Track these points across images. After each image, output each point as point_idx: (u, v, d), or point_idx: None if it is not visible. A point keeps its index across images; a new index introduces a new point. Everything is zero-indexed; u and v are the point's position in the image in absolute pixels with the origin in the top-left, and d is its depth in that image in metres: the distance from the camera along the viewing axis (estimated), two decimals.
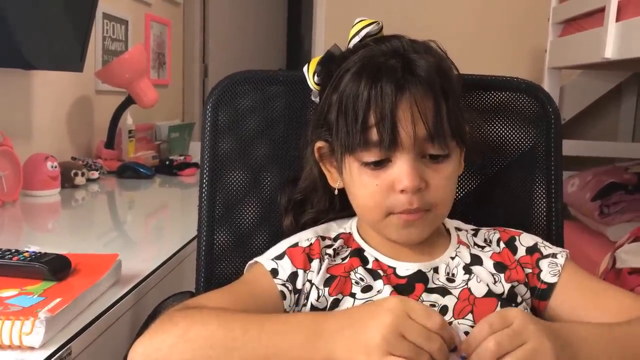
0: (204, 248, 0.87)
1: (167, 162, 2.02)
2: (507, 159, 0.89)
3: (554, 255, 0.76)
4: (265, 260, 0.74)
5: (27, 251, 0.84)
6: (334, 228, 0.80)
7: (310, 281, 0.73)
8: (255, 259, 0.76)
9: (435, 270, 0.74)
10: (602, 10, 1.90)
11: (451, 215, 0.79)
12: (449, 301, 0.71)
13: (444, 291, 0.72)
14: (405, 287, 0.72)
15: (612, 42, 1.81)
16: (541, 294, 0.74)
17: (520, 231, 0.79)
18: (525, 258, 0.76)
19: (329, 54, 0.77)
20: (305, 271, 0.73)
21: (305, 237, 0.77)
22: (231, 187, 0.87)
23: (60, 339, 0.68)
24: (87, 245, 1.14)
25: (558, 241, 0.87)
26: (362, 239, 0.77)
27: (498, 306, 0.71)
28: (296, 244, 0.75)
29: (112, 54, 2.14)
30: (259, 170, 0.88)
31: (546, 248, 0.77)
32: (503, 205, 0.89)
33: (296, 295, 0.72)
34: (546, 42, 2.52)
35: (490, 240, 0.78)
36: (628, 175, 2.21)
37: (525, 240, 0.78)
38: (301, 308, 0.73)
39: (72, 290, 0.77)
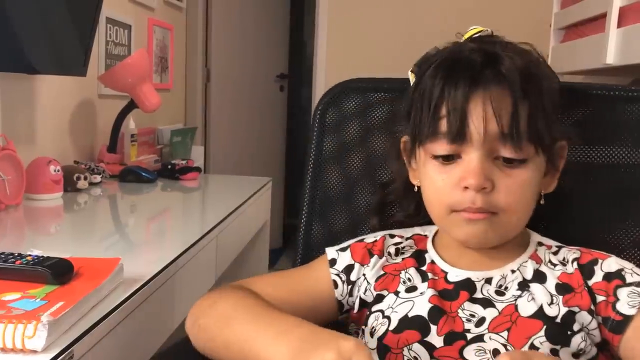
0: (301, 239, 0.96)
1: (169, 166, 2.02)
2: (610, 182, 0.83)
3: (638, 284, 0.66)
4: (331, 250, 0.80)
5: (29, 255, 0.85)
6: (415, 230, 0.81)
7: (364, 275, 0.76)
8: (327, 248, 0.81)
9: (488, 281, 0.71)
10: (603, 16, 1.91)
11: (550, 232, 0.76)
12: (489, 314, 0.68)
13: (488, 303, 0.69)
14: (451, 293, 0.71)
15: (614, 48, 1.82)
16: (615, 326, 0.65)
17: (610, 255, 0.71)
18: (600, 284, 0.68)
19: (426, 55, 0.76)
20: (362, 265, 0.77)
21: (373, 235, 0.80)
22: (331, 185, 0.96)
23: (62, 343, 0.68)
24: (89, 249, 1.15)
25: None
26: (433, 243, 0.78)
27: (542, 330, 0.65)
28: (362, 240, 0.80)
29: (115, 58, 2.15)
30: (357, 173, 0.95)
31: (633, 275, 0.67)
32: (614, 227, 0.82)
33: (349, 287, 0.77)
34: (548, 47, 2.53)
35: (567, 259, 0.72)
36: None
37: (609, 265, 0.69)
38: (355, 299, 0.76)
39: (74, 294, 0.77)
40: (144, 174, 1.89)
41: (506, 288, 0.70)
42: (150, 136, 2.34)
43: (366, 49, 3.06)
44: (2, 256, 0.84)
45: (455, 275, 0.73)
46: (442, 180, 0.69)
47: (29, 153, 1.57)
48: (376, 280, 0.75)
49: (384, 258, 0.77)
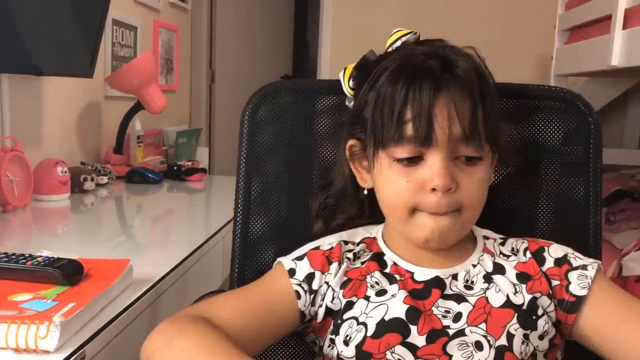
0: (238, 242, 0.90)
1: (175, 168, 2.03)
2: (545, 168, 0.88)
3: (584, 267, 0.73)
4: (286, 260, 0.77)
5: (40, 256, 0.85)
6: (360, 233, 0.81)
7: (327, 283, 0.75)
8: (279, 258, 0.78)
9: (454, 277, 0.74)
10: (608, 18, 1.91)
11: (483, 224, 0.78)
12: (464, 308, 0.71)
13: (460, 298, 0.72)
14: (421, 292, 0.72)
15: (619, 49, 1.82)
16: (569, 307, 0.72)
17: (551, 242, 0.77)
18: (554, 270, 0.74)
19: (365, 59, 0.78)
20: (323, 273, 0.75)
21: (328, 241, 0.78)
22: (267, 179, 0.90)
23: (74, 343, 0.68)
24: (96, 250, 1.15)
25: (596, 254, 0.86)
26: (386, 244, 0.78)
27: (514, 318, 0.70)
28: (318, 247, 0.78)
29: (121, 59, 2.16)
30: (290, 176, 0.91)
31: (577, 259, 0.75)
32: (540, 215, 0.88)
33: (312, 296, 0.74)
34: (552, 49, 2.53)
35: (517, 249, 0.77)
36: (634, 183, 2.22)
37: (555, 251, 0.76)
38: (317, 308, 0.75)
39: (85, 294, 0.78)
40: (150, 175, 1.90)
41: (472, 282, 0.73)
42: (155, 137, 2.35)
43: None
44: (13, 257, 0.84)
45: (424, 274, 0.74)
46: (407, 182, 0.70)
47: (36, 154, 1.58)
48: (342, 287, 0.74)
49: (344, 264, 0.75)
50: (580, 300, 0.72)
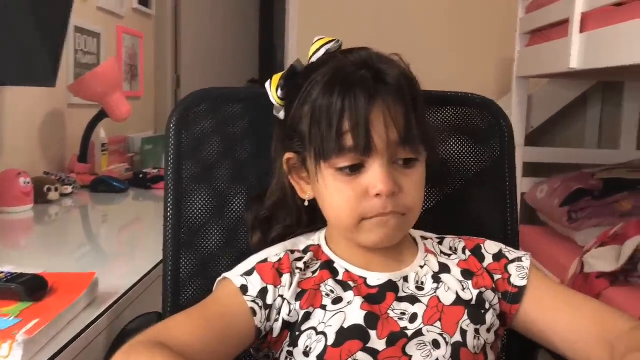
0: (170, 272, 0.86)
1: (141, 175, 2.01)
2: (464, 172, 0.93)
3: (519, 259, 0.79)
4: (235, 276, 0.74)
5: (2, 272, 0.84)
6: (302, 241, 0.80)
7: (282, 296, 0.73)
8: (225, 274, 0.76)
9: (405, 279, 0.76)
10: (566, 21, 1.96)
11: (414, 226, 0.80)
12: (419, 309, 0.73)
13: (413, 299, 0.74)
14: (376, 296, 0.74)
15: (577, 52, 1.87)
16: (512, 297, 0.77)
17: (484, 239, 0.82)
18: (494, 265, 0.79)
19: (293, 69, 0.79)
20: (275, 286, 0.73)
21: (274, 253, 0.77)
22: (196, 210, 0.87)
23: None
24: (61, 262, 1.14)
25: (515, 248, 0.89)
26: (332, 250, 0.78)
27: (465, 314, 0.73)
28: (265, 260, 0.76)
29: (84, 67, 2.13)
30: (224, 191, 0.89)
31: (511, 253, 0.80)
32: (463, 218, 0.92)
33: (267, 311, 0.72)
34: (514, 52, 2.58)
35: (455, 248, 0.81)
36: (594, 182, 2.28)
37: (490, 247, 0.81)
38: (273, 323, 0.73)
39: (49, 310, 0.77)
40: (115, 183, 1.88)
41: (422, 283, 0.76)
42: (120, 145, 2.32)
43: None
44: None
45: (377, 279, 0.75)
46: (351, 190, 0.71)
47: None
48: (298, 299, 0.73)
49: (296, 275, 0.74)
50: (522, 290, 0.77)
